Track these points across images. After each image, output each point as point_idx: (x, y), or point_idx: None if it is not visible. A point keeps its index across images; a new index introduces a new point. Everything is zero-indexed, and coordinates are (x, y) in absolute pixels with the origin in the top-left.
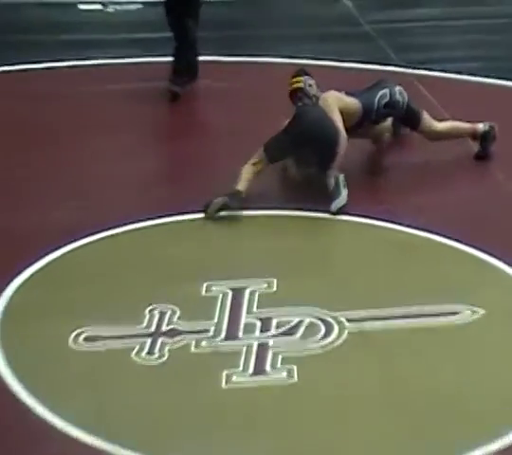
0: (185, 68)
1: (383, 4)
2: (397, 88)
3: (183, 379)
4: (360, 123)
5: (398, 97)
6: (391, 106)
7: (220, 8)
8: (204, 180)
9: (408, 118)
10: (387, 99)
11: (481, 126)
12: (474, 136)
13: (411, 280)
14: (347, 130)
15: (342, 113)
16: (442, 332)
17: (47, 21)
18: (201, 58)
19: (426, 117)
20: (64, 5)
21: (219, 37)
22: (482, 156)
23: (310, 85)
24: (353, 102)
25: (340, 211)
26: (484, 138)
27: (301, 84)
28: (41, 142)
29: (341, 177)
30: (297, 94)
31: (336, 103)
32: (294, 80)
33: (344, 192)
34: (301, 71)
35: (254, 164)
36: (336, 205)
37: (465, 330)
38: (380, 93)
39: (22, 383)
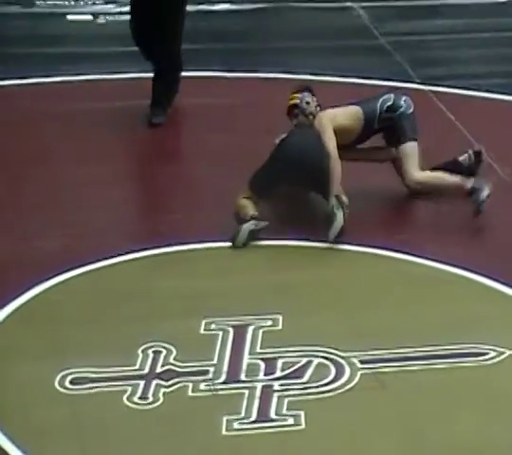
0: (166, 95)
1: (399, 14)
2: (404, 97)
3: (179, 426)
4: (365, 133)
5: (402, 103)
6: (392, 110)
7: (224, 18)
8: (203, 207)
9: (397, 128)
10: (390, 102)
11: (469, 183)
12: (462, 191)
13: (430, 317)
14: (352, 143)
15: (341, 130)
16: (464, 375)
17: (33, 33)
18: (204, 73)
19: (412, 155)
20: (52, 15)
21: (223, 50)
22: (478, 213)
23: (307, 103)
24: (352, 112)
25: (339, 239)
26: (474, 194)
27: (296, 101)
28: (25, 165)
29: (334, 200)
30: (293, 111)
31: (330, 123)
32: (291, 96)
33: (339, 215)
34: (303, 87)
35: (245, 198)
36: (332, 233)
37: (489, 373)
38: (384, 97)
39: (1, 427)
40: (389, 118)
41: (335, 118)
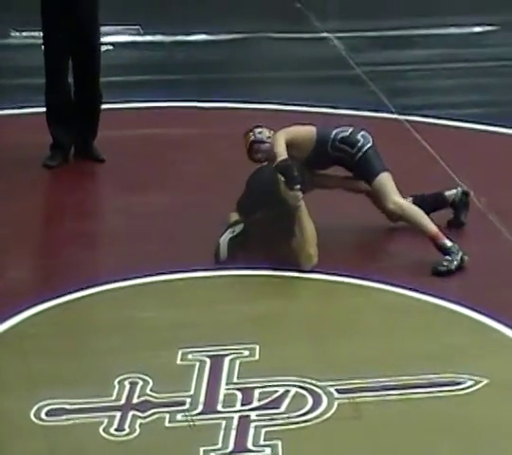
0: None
1: (375, 45)
2: (362, 132)
3: None
4: (318, 155)
5: (359, 137)
6: (347, 143)
7: (198, 49)
8: (181, 236)
9: (360, 166)
10: (346, 133)
11: (448, 241)
12: (435, 243)
13: (405, 346)
14: (310, 165)
15: (293, 143)
16: (441, 405)
17: (9, 64)
18: (178, 103)
19: (388, 183)
20: (27, 46)
21: (199, 80)
22: (441, 272)
23: (260, 132)
24: (306, 129)
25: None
26: (447, 253)
27: (251, 138)
28: (0, 194)
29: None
30: (253, 147)
31: (283, 135)
32: (244, 139)
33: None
34: (249, 128)
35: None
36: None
37: (466, 402)
38: (342, 128)
39: None
40: (345, 151)
41: (288, 132)
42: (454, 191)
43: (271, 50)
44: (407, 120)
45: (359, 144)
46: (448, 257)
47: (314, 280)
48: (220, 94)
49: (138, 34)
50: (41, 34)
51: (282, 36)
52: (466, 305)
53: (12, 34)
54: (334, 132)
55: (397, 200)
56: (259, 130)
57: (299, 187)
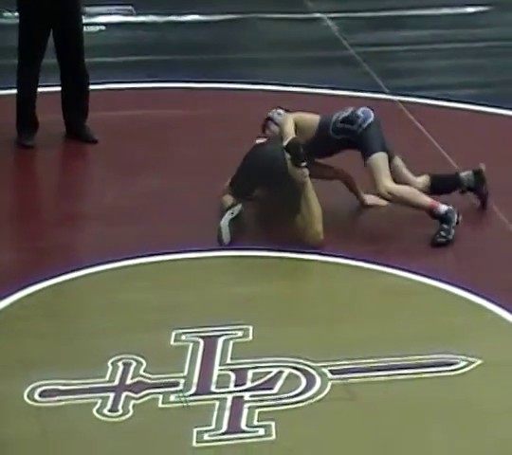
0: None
1: (369, 25)
2: (363, 108)
3: (150, 438)
4: (321, 140)
5: (360, 113)
6: (349, 121)
7: (191, 29)
8: (173, 218)
9: (361, 141)
10: (346, 113)
11: (442, 208)
12: (432, 213)
13: (400, 327)
14: (312, 151)
15: (298, 125)
16: (434, 385)
17: (1, 44)
18: (171, 84)
19: (380, 165)
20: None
21: (190, 61)
22: (440, 243)
23: (279, 114)
24: (311, 116)
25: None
26: (444, 220)
27: (269, 114)
28: None
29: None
30: (266, 123)
31: (291, 116)
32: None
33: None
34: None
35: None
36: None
37: (459, 383)
38: (342, 110)
39: None
40: (347, 130)
41: (295, 116)
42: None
43: (264, 31)
44: (400, 101)
45: (360, 120)
46: (445, 225)
47: (311, 261)
48: (213, 75)
49: (131, 14)
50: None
51: (275, 16)
52: (461, 286)
53: (5, 14)
54: (334, 115)
55: (386, 185)
56: (279, 111)
57: (305, 164)
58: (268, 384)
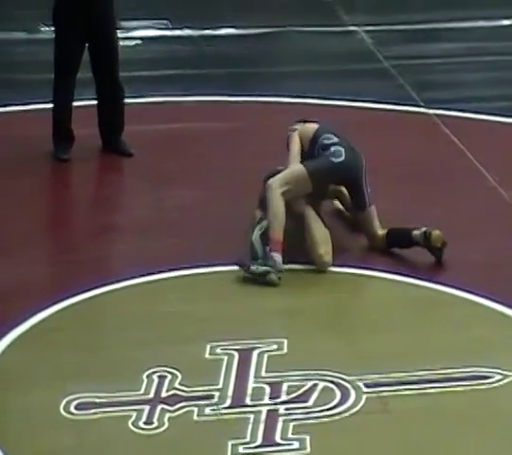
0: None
1: (403, 38)
2: (337, 148)
3: (184, 451)
4: (308, 155)
5: (332, 149)
6: (326, 148)
7: (226, 43)
8: (206, 231)
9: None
10: (328, 141)
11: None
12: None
13: (434, 340)
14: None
15: (301, 138)
16: (468, 398)
17: (38, 58)
18: (206, 98)
19: (288, 174)
20: None
21: (225, 74)
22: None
23: (293, 130)
24: (310, 127)
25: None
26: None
27: (289, 128)
28: (27, 190)
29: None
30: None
31: (296, 133)
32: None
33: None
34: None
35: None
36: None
37: (494, 396)
38: (330, 134)
39: (7, 453)
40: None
41: (300, 130)
42: (419, 233)
43: (299, 44)
44: (435, 114)
45: (327, 152)
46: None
47: (341, 273)
48: (248, 88)
49: (167, 28)
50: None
51: (310, 30)
52: (493, 298)
53: (42, 29)
54: (322, 136)
55: (273, 186)
56: (295, 126)
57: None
58: (303, 397)
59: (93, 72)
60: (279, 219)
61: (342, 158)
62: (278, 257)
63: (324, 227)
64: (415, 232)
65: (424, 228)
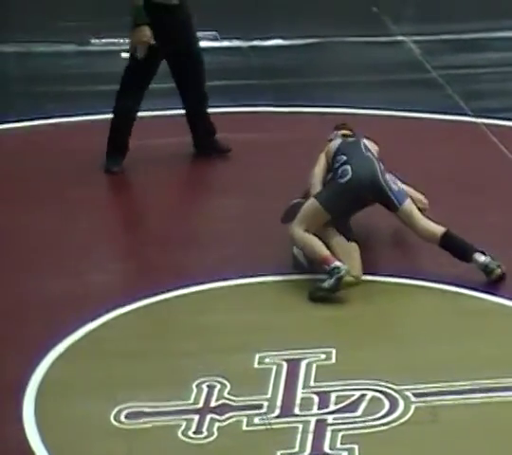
0: None
1: (451, 48)
2: (346, 166)
3: None
4: (331, 169)
5: (340, 171)
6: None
7: (274, 53)
8: (257, 240)
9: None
10: (341, 160)
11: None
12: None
13: (483, 349)
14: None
15: (326, 155)
16: None
17: (88, 71)
18: (253, 108)
19: (307, 210)
20: (106, 53)
21: (273, 85)
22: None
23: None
24: (335, 144)
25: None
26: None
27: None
28: (78, 201)
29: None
30: None
31: (323, 152)
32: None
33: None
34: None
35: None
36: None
37: None
38: (346, 153)
39: None
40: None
41: (327, 147)
42: (480, 259)
43: (347, 54)
44: (483, 123)
45: (335, 176)
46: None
47: (389, 283)
48: (297, 98)
49: (215, 40)
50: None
51: (358, 40)
52: None
53: (92, 41)
54: (336, 158)
55: (293, 227)
56: (331, 136)
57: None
58: (352, 407)
59: (176, 83)
60: (313, 246)
61: (349, 176)
62: (337, 262)
63: (347, 242)
64: (477, 257)
65: (487, 260)
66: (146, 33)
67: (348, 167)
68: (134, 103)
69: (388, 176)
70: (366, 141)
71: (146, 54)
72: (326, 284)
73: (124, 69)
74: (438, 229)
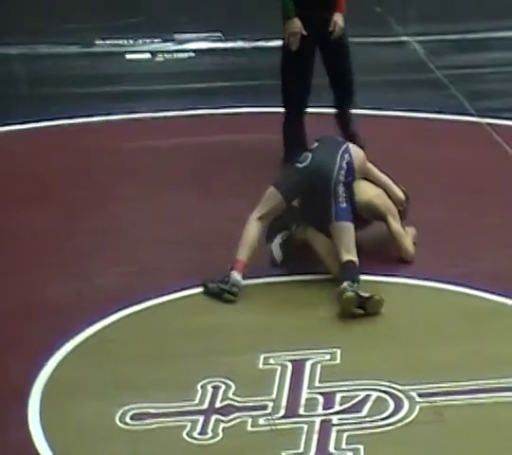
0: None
1: (455, 48)
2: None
3: None
4: None
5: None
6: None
7: (279, 55)
8: (262, 241)
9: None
10: (310, 148)
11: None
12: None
13: (488, 350)
14: None
15: None
16: None
17: (92, 72)
18: (259, 109)
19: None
20: (111, 55)
21: (278, 86)
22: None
23: None
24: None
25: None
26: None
27: None
28: (82, 202)
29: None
30: None
31: None
32: None
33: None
34: None
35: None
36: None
37: None
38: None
39: None
40: None
41: None
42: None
43: (351, 55)
44: (488, 123)
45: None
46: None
47: (394, 284)
48: None
49: (220, 41)
50: None
51: (362, 40)
52: None
53: (97, 42)
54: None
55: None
56: None
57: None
58: (356, 407)
59: (329, 74)
60: (244, 242)
61: (307, 163)
62: (234, 274)
63: (327, 240)
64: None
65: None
66: (297, 24)
67: (309, 154)
68: (302, 92)
69: (341, 191)
70: (352, 147)
71: (300, 45)
72: (212, 284)
73: (281, 64)
74: (342, 258)
